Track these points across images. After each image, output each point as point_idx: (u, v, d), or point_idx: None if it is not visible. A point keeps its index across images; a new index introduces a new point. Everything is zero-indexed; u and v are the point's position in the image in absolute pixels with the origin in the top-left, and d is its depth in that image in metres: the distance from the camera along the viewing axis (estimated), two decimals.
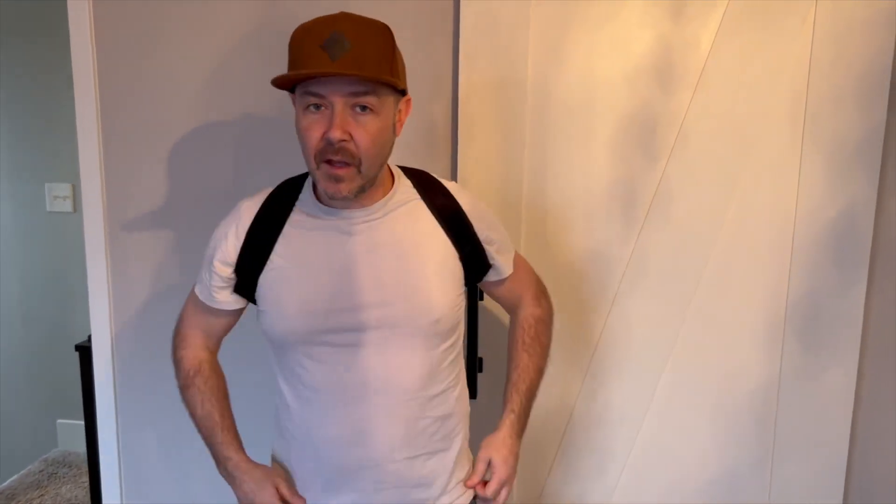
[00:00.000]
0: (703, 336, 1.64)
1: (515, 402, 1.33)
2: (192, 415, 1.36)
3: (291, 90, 1.17)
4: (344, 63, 1.07)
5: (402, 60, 1.20)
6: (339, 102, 1.09)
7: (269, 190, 1.29)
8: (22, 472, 3.21)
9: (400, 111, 1.20)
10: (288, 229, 1.23)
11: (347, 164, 1.11)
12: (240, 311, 1.37)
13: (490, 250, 1.32)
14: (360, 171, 1.13)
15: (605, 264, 1.64)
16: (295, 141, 1.66)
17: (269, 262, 1.23)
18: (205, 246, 1.74)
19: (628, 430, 1.69)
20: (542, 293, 1.43)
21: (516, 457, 1.29)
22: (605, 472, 1.72)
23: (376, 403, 1.21)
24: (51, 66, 2.96)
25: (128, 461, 1.91)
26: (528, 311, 1.40)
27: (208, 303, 1.32)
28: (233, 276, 1.27)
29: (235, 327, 1.43)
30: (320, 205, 1.22)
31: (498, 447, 1.28)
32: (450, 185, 1.32)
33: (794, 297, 1.60)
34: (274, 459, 1.40)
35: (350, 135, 1.10)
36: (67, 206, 3.09)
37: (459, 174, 1.62)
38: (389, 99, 1.14)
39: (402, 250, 1.22)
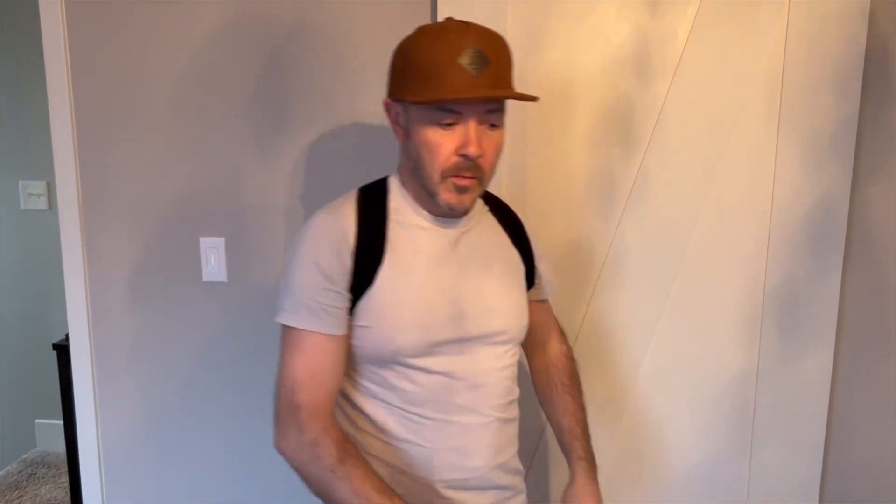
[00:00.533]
0: (683, 325, 1.66)
1: (579, 448, 1.34)
2: (356, 493, 1.09)
3: (395, 96, 1.15)
4: (488, 80, 1.08)
5: None
6: (474, 119, 1.09)
7: (350, 203, 1.20)
8: (0, 472, 3.18)
9: None
10: (392, 242, 1.17)
11: (473, 177, 1.13)
12: (346, 345, 1.19)
13: (538, 267, 1.35)
14: (480, 184, 1.15)
15: (585, 254, 1.65)
16: (280, 137, 1.67)
17: (377, 279, 1.15)
18: (180, 248, 1.75)
19: (609, 420, 1.70)
20: (562, 330, 1.47)
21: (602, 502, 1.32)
22: None
23: (481, 412, 1.21)
24: (23, 62, 2.92)
25: (108, 461, 1.89)
26: (557, 348, 1.43)
27: (334, 331, 1.14)
28: (348, 289, 1.15)
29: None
30: (423, 212, 1.20)
31: (583, 496, 1.30)
32: (510, 206, 1.36)
33: (771, 285, 1.62)
34: None
35: (482, 150, 1.11)
36: (42, 204, 3.06)
37: None
38: (505, 114, 1.16)
39: (493, 259, 1.25)
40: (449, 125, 1.10)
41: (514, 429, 1.29)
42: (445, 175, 1.12)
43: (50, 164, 2.93)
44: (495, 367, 1.22)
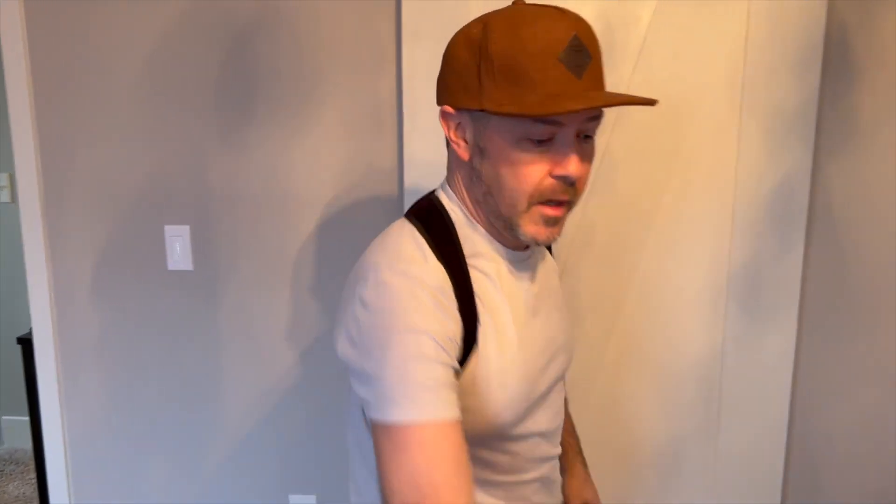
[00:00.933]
0: (648, 305, 1.68)
1: (575, 444, 1.30)
2: None
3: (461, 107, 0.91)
4: (592, 81, 0.85)
5: None
6: (574, 131, 0.87)
7: (420, 243, 0.92)
8: None
9: None
10: (477, 291, 0.94)
11: (566, 204, 0.91)
12: None
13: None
14: (570, 211, 0.93)
15: None
16: (245, 123, 1.65)
17: (478, 341, 0.92)
18: (144, 237, 1.72)
19: (576, 400, 1.72)
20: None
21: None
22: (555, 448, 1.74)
23: (556, 450, 1.10)
24: None
25: (74, 455, 1.87)
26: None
27: (453, 412, 0.84)
28: (455, 363, 0.88)
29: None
30: (499, 246, 0.98)
31: (585, 488, 1.26)
32: None
33: (734, 264, 1.64)
34: None
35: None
36: (4, 197, 3.00)
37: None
38: None
39: (554, 289, 1.09)
40: (543, 141, 0.86)
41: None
42: (533, 202, 0.89)
43: (10, 155, 2.88)
44: (562, 402, 1.10)
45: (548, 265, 1.09)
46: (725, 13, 1.55)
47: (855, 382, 1.63)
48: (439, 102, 0.95)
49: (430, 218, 0.96)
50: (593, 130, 0.90)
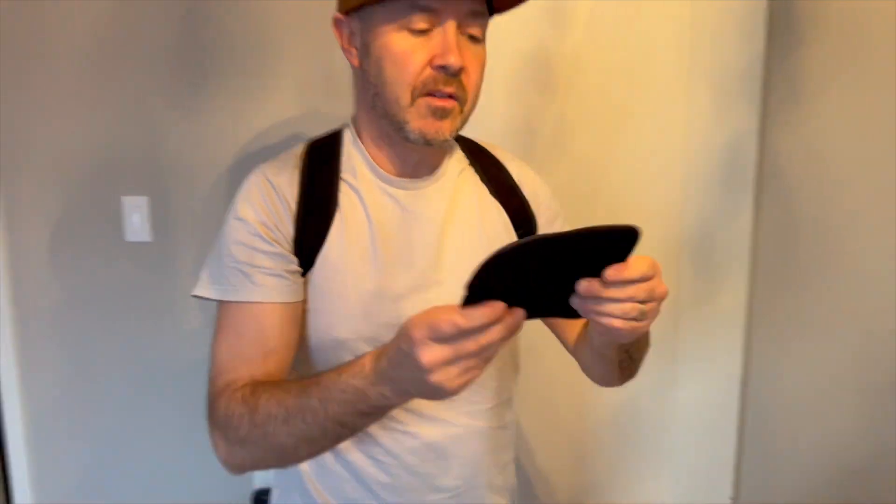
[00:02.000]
0: None
1: None
2: (286, 418, 0.82)
3: (349, 10, 0.93)
4: None
5: None
6: (453, 24, 0.88)
7: (294, 158, 1.00)
8: None
9: None
10: (340, 207, 0.96)
11: (454, 98, 0.90)
12: (298, 315, 0.96)
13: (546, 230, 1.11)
14: (461, 111, 0.93)
15: None
16: (202, 89, 1.64)
17: (322, 250, 0.95)
18: (101, 209, 1.70)
19: (534, 362, 1.74)
20: None
21: None
22: (521, 408, 1.77)
23: (452, 421, 1.01)
24: None
25: (34, 428, 1.85)
26: None
27: (277, 297, 0.92)
28: (291, 252, 0.94)
29: None
30: (379, 170, 0.99)
31: None
32: (498, 153, 1.14)
33: (687, 223, 1.68)
34: None
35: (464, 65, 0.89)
36: None
37: None
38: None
39: (473, 229, 1.03)
40: (422, 31, 0.88)
41: (503, 436, 1.10)
42: (417, 94, 0.89)
43: None
44: None
45: (474, 206, 1.04)
46: None
47: (805, 337, 1.68)
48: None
49: (322, 139, 1.02)
50: (480, 30, 0.92)
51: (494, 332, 0.67)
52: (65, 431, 1.85)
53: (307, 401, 0.80)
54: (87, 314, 1.78)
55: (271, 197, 0.95)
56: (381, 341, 0.81)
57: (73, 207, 1.74)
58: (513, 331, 0.69)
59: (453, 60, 0.87)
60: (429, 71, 0.89)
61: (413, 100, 0.90)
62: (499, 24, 1.59)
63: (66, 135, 1.70)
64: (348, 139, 1.01)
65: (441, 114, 0.90)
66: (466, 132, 1.59)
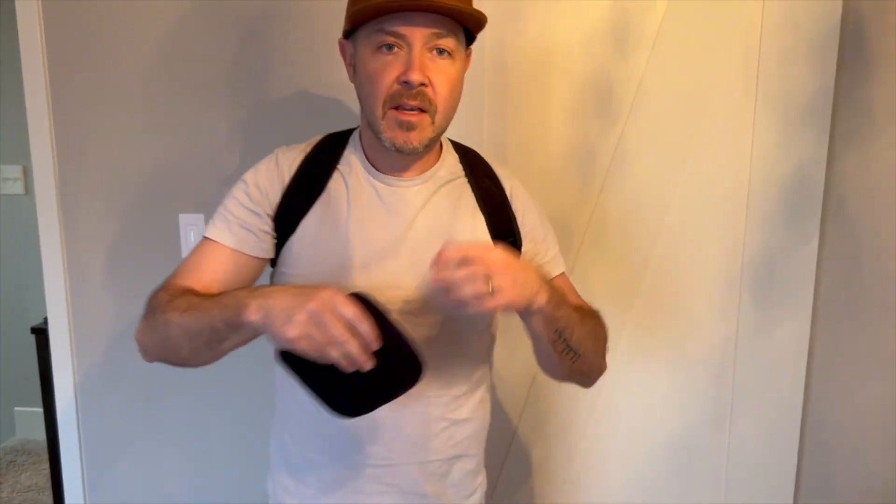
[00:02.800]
0: (661, 295, 1.68)
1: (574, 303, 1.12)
2: (186, 309, 0.98)
3: (347, 35, 1.07)
4: None
5: None
6: (418, 42, 0.99)
7: (312, 142, 1.17)
8: None
9: (466, 60, 1.09)
10: (329, 190, 1.11)
11: (422, 111, 1.01)
12: (260, 270, 1.14)
13: (530, 248, 1.19)
14: (433, 122, 1.03)
15: (564, 226, 1.66)
16: (260, 110, 1.65)
17: (303, 222, 1.10)
18: (159, 227, 1.72)
19: (588, 391, 1.72)
20: (591, 308, 1.20)
21: (526, 272, 0.96)
22: (568, 432, 1.75)
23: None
24: None
25: (89, 448, 1.88)
26: None
27: (231, 243, 1.09)
28: (271, 216, 1.11)
29: None
30: (369, 166, 1.12)
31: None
32: (498, 170, 1.21)
33: (748, 254, 1.63)
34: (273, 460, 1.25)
35: (429, 79, 1.00)
36: (19, 189, 3.03)
37: None
38: (461, 48, 1.05)
39: (440, 230, 1.11)
40: (391, 50, 1.00)
41: (457, 430, 1.17)
42: (387, 106, 1.01)
43: (25, 148, 2.90)
44: (432, 338, 1.09)
45: (454, 215, 1.13)
46: (741, 2, 1.54)
47: (870, 373, 1.63)
48: None
49: (336, 134, 1.18)
50: (448, 45, 1.01)
51: (347, 338, 0.84)
52: (120, 447, 1.88)
53: (205, 302, 0.97)
54: None
55: (272, 169, 1.13)
56: None
57: (131, 225, 1.76)
58: (355, 350, 0.85)
59: (414, 77, 0.98)
60: (396, 86, 1.00)
61: (384, 112, 1.02)
62: (559, 47, 1.58)
63: (125, 153, 1.72)
64: (354, 138, 1.16)
65: (407, 126, 1.02)
66: (523, 151, 1.59)
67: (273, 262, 1.16)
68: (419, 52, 0.99)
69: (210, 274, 1.08)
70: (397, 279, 1.08)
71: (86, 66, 1.70)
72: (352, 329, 0.85)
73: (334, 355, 0.85)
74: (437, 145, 1.15)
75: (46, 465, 3.02)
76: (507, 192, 1.19)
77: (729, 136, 1.60)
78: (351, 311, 0.85)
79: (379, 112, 1.03)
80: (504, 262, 0.93)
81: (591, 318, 1.16)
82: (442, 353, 1.11)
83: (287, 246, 1.12)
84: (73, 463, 1.89)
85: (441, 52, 1.01)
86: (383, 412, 0.99)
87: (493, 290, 0.90)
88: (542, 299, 0.98)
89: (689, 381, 1.71)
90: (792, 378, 1.67)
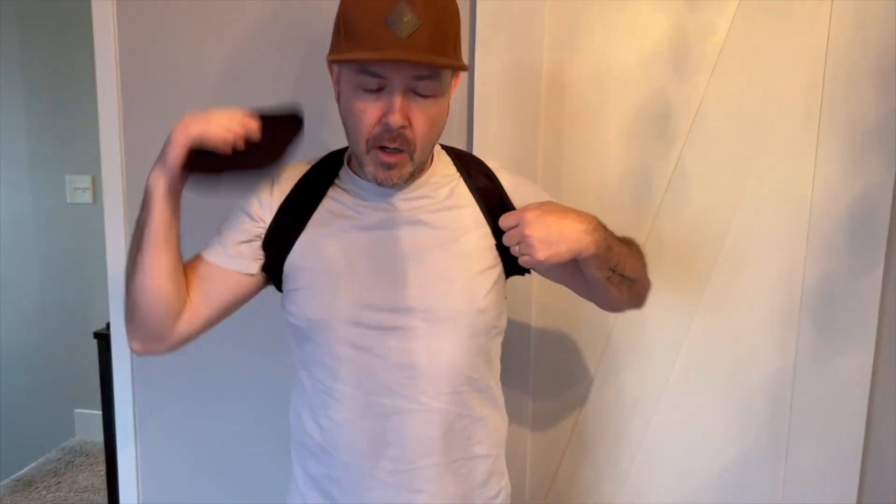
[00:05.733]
0: (718, 322, 1.64)
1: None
2: (129, 271, 1.12)
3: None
4: (413, 44, 0.98)
5: (459, 33, 1.10)
6: (400, 86, 1.02)
7: (309, 160, 1.22)
8: (40, 459, 3.26)
9: (452, 84, 1.12)
10: (325, 204, 1.16)
11: (400, 151, 1.05)
12: (249, 288, 1.20)
13: None
14: (412, 158, 1.07)
15: None
16: (321, 130, 1.69)
17: (302, 236, 1.15)
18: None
19: (641, 416, 1.69)
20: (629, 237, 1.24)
21: (557, 224, 1.04)
22: (618, 459, 1.72)
23: (412, 398, 1.12)
24: (72, 58, 3.01)
25: (144, 450, 1.93)
26: None
27: (218, 262, 1.16)
28: (259, 233, 1.17)
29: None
30: (358, 179, 1.16)
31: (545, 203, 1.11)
32: (492, 164, 1.23)
33: (809, 281, 1.59)
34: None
35: (409, 120, 1.03)
36: (87, 198, 3.14)
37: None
38: (448, 79, 1.08)
39: (440, 234, 1.14)
40: (374, 91, 1.02)
41: (476, 428, 1.18)
42: (370, 145, 1.05)
43: (95, 159, 3.01)
44: (434, 348, 1.12)
45: (453, 215, 1.15)
46: (805, 24, 1.52)
47: None
48: None
49: (335, 152, 1.23)
50: (426, 89, 1.03)
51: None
52: (175, 451, 1.92)
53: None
54: (201, 339, 1.84)
55: (271, 189, 1.18)
56: (349, 325, 1.11)
57: (194, 237, 1.80)
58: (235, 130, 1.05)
59: (394, 120, 1.02)
60: (378, 128, 1.04)
61: (368, 150, 1.06)
62: (618, 68, 1.58)
63: None
64: (349, 163, 1.20)
65: (388, 166, 1.06)
66: (579, 172, 1.58)
67: (279, 286, 1.21)
68: (399, 95, 1.02)
69: (193, 277, 1.18)
70: (395, 288, 1.12)
71: (155, 85, 1.77)
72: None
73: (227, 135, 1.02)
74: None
75: (103, 467, 3.11)
76: (506, 187, 1.21)
77: (791, 160, 1.56)
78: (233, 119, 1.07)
79: (363, 148, 1.07)
80: (532, 221, 1.03)
81: (632, 243, 1.22)
82: (453, 350, 1.13)
83: (288, 263, 1.16)
84: (128, 465, 1.95)
85: (422, 95, 1.04)
86: (399, 413, 1.10)
87: (520, 252, 1.04)
88: (588, 249, 1.06)
89: (744, 409, 1.67)
90: (853, 411, 1.61)
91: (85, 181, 3.12)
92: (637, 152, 1.61)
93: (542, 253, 1.03)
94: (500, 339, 1.24)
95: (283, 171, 1.20)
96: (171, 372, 1.88)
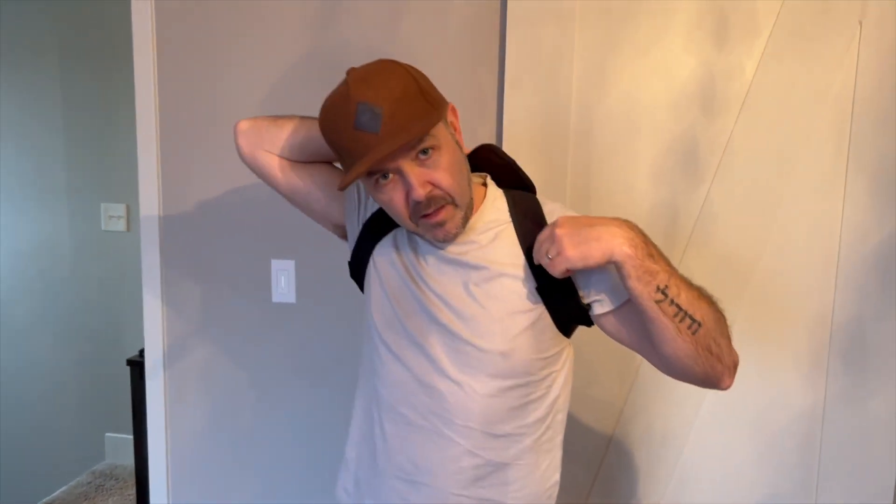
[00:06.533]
0: (747, 359, 1.62)
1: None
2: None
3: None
4: (390, 129, 1.03)
5: (425, 80, 1.13)
6: (404, 166, 1.06)
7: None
8: (71, 483, 3.30)
9: (451, 123, 1.15)
10: (392, 234, 1.24)
11: (441, 207, 1.09)
12: (325, 210, 1.36)
13: (581, 280, 1.14)
14: (456, 205, 1.10)
15: None
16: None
17: (372, 256, 1.24)
18: (252, 270, 1.82)
19: (670, 453, 1.69)
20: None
21: (588, 225, 1.05)
22: (646, 496, 1.71)
23: (434, 422, 1.15)
24: (111, 91, 3.09)
25: (175, 475, 1.96)
26: None
27: (330, 172, 1.33)
28: (354, 215, 1.30)
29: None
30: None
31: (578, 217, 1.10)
32: (547, 208, 1.21)
33: (838, 321, 1.59)
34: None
35: (430, 183, 1.07)
36: (121, 226, 3.21)
37: None
38: (440, 125, 1.09)
39: (477, 273, 1.15)
40: (387, 178, 1.08)
41: (494, 474, 1.16)
42: (415, 220, 1.10)
43: (129, 188, 3.08)
44: (457, 380, 1.13)
45: (496, 260, 1.16)
46: (832, 65, 1.53)
47: None
48: None
49: None
50: (430, 145, 1.06)
51: None
52: (206, 478, 1.94)
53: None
54: (234, 369, 1.88)
55: (365, 206, 1.29)
56: (389, 334, 1.19)
57: (226, 266, 1.85)
58: None
59: (417, 195, 1.06)
60: (411, 206, 1.09)
61: (416, 224, 1.11)
62: (645, 107, 1.60)
63: (223, 199, 1.83)
64: None
65: (439, 224, 1.10)
66: (606, 209, 1.60)
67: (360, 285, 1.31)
68: (409, 172, 1.06)
69: (300, 151, 1.31)
70: (431, 328, 1.16)
71: (194, 117, 1.82)
72: None
73: None
74: (479, 193, 1.21)
75: (132, 491, 3.14)
76: None
77: (819, 200, 1.57)
78: None
79: (411, 227, 1.13)
80: (563, 222, 1.05)
81: (702, 290, 1.12)
82: (477, 388, 1.14)
83: (366, 279, 1.27)
84: (160, 490, 1.98)
85: (424, 152, 1.07)
86: (415, 429, 1.16)
87: (549, 256, 1.05)
88: (622, 247, 1.02)
89: (773, 450, 1.66)
90: (884, 453, 1.60)
91: (119, 209, 3.20)
92: (665, 191, 1.62)
93: (571, 250, 1.02)
94: (542, 390, 1.19)
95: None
96: (203, 400, 1.91)
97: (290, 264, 1.81)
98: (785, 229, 1.59)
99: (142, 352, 2.45)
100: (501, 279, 1.15)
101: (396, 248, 1.22)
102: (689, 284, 1.09)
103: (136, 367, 2.49)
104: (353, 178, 1.05)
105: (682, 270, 1.62)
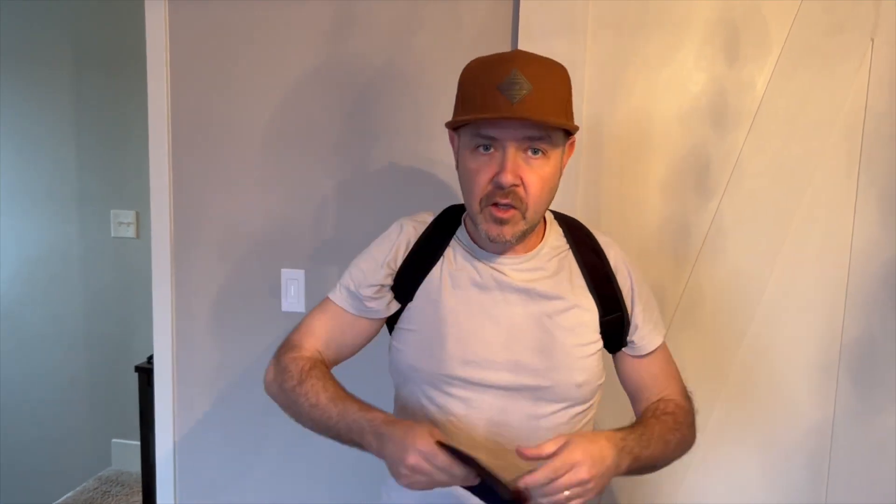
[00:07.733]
0: (756, 375, 1.64)
1: (626, 436, 1.10)
2: (314, 405, 1.13)
3: (455, 128, 1.15)
4: (524, 107, 1.03)
5: (571, 98, 1.15)
6: (511, 146, 1.06)
7: (432, 214, 1.27)
8: (77, 488, 3.31)
9: (564, 153, 1.15)
10: (447, 254, 1.21)
11: (513, 208, 1.08)
12: (376, 330, 1.27)
13: (633, 319, 1.23)
14: (524, 217, 1.10)
15: (659, 301, 1.64)
16: (363, 177, 1.74)
17: (420, 288, 1.20)
18: (262, 279, 1.82)
19: (677, 470, 1.68)
20: (688, 394, 1.27)
21: (607, 468, 1.01)
22: None
23: (499, 455, 1.12)
24: (123, 98, 3.11)
25: (182, 482, 1.96)
26: (674, 398, 1.23)
27: (352, 309, 1.23)
28: (390, 280, 1.22)
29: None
30: (474, 245, 1.20)
31: (586, 441, 1.01)
32: (601, 239, 1.25)
33: (848, 337, 1.59)
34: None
35: (521, 179, 1.07)
36: (130, 232, 3.22)
37: None
38: (560, 142, 1.11)
39: (553, 304, 1.16)
40: (487, 151, 1.08)
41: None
42: (483, 204, 1.09)
43: (138, 194, 3.10)
44: (522, 416, 1.15)
45: (559, 287, 1.17)
46: (844, 82, 1.54)
47: None
48: None
49: (453, 207, 1.27)
50: (542, 147, 1.07)
51: (447, 479, 0.98)
52: (213, 485, 1.94)
53: (332, 409, 1.11)
54: (242, 377, 1.88)
55: (399, 239, 1.23)
56: (435, 386, 1.16)
57: (236, 275, 1.86)
58: (456, 483, 0.99)
59: (505, 179, 1.06)
60: (490, 186, 1.08)
61: (482, 208, 1.10)
62: (657, 122, 1.60)
63: (237, 208, 1.83)
64: (464, 217, 1.24)
65: (500, 221, 1.09)
66: (617, 222, 1.60)
67: (391, 323, 1.26)
68: (512, 154, 1.06)
69: (328, 333, 1.24)
70: (504, 350, 1.15)
71: (206, 125, 1.83)
72: (448, 470, 0.97)
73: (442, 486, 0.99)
74: (540, 225, 1.20)
75: (138, 497, 3.15)
76: (612, 265, 1.24)
77: (829, 215, 1.57)
78: (441, 460, 0.97)
79: (476, 207, 1.11)
80: (579, 467, 0.97)
81: (677, 430, 1.19)
82: (547, 419, 1.16)
83: (407, 308, 1.22)
84: (166, 497, 1.98)
85: (535, 151, 1.08)
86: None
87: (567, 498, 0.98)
88: (621, 470, 1.05)
89: (782, 466, 1.65)
90: (893, 468, 1.59)
91: (129, 216, 3.21)
92: (675, 205, 1.62)
93: (596, 494, 1.01)
94: (593, 411, 1.25)
95: (409, 222, 1.26)
96: (211, 406, 1.91)
97: (300, 274, 1.81)
98: (795, 244, 1.59)
99: (150, 358, 2.46)
100: (576, 311, 1.18)
101: (456, 286, 1.19)
102: (666, 441, 1.16)
103: (145, 373, 2.49)
104: (471, 121, 1.07)
105: (691, 285, 1.63)
